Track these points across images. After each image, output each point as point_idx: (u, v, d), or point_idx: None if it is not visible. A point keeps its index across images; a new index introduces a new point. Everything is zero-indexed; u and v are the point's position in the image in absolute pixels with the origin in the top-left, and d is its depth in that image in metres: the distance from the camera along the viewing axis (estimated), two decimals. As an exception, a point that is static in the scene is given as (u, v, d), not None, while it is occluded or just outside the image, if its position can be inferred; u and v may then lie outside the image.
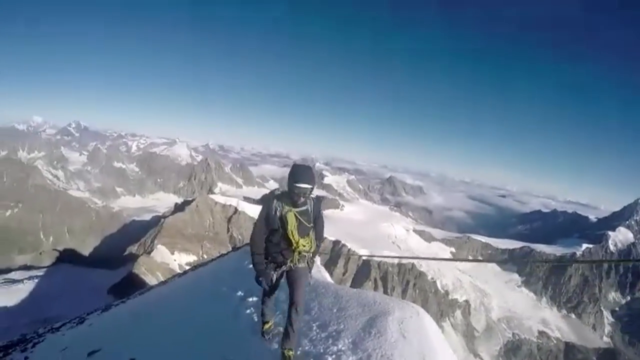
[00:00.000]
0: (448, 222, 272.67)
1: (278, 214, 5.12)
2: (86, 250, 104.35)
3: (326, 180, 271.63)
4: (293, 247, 5.23)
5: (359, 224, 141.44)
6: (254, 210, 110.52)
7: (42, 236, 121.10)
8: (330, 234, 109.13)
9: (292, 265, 5.36)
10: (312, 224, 5.32)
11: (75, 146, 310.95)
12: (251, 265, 5.45)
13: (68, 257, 79.15)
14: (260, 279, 5.32)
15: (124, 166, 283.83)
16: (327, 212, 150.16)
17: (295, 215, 5.12)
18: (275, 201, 5.17)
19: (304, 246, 5.27)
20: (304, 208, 5.19)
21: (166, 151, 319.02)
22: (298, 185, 4.86)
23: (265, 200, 5.29)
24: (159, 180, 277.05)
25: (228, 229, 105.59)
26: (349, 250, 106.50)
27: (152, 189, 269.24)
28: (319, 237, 5.62)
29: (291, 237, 5.14)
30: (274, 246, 5.27)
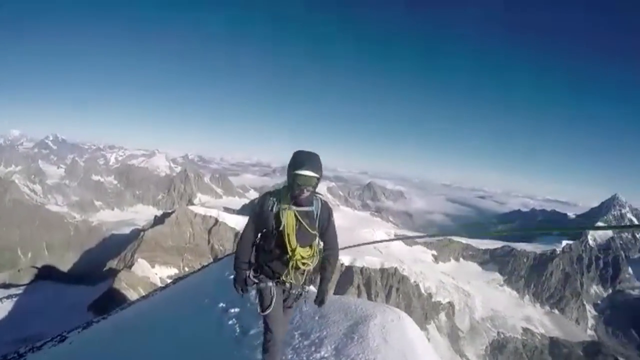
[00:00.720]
0: (429, 225, 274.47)
1: (274, 210, 4.03)
2: (65, 266, 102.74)
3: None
4: (287, 257, 4.06)
5: (340, 230, 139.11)
6: (235, 221, 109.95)
7: (19, 252, 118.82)
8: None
9: (289, 284, 4.26)
10: (316, 231, 4.13)
11: (53, 159, 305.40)
12: (234, 257, 4.40)
13: (47, 273, 77.78)
14: (237, 285, 4.34)
15: (102, 179, 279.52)
16: None
17: (295, 214, 4.00)
18: (271, 196, 4.11)
19: (303, 258, 4.07)
20: (307, 208, 4.07)
21: (144, 163, 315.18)
22: (300, 172, 3.74)
23: (258, 198, 4.27)
24: (137, 192, 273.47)
25: (209, 240, 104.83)
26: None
27: (131, 202, 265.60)
28: (331, 253, 4.38)
29: (286, 243, 3.99)
30: (266, 255, 4.18)
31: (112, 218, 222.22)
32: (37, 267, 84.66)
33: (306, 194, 3.93)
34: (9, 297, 57.39)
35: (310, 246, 4.17)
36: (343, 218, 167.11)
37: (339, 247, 4.56)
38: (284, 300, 4.44)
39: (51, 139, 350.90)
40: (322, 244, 4.33)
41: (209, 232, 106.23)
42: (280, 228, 3.99)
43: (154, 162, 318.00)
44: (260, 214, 4.13)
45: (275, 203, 4.07)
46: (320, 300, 4.44)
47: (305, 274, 4.29)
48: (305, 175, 3.78)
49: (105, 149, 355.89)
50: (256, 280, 4.29)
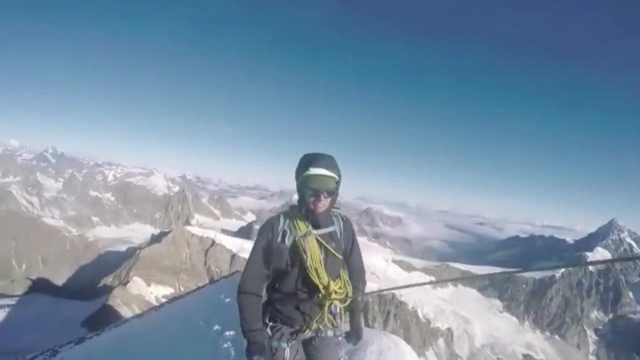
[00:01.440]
0: (427, 251, 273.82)
1: (288, 241, 3.03)
2: (60, 280, 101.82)
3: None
4: (320, 296, 3.07)
5: None
6: (232, 243, 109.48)
7: (14, 263, 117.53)
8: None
9: (318, 330, 3.27)
10: (342, 255, 3.23)
11: (51, 172, 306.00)
12: (239, 310, 3.08)
13: (41, 286, 77.56)
14: (256, 358, 2.97)
15: (100, 195, 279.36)
16: None
17: (318, 240, 3.06)
18: (282, 220, 3.13)
19: (337, 293, 3.08)
20: (330, 229, 3.16)
21: (143, 181, 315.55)
22: (314, 171, 2.88)
23: (262, 229, 3.16)
24: (135, 210, 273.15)
25: (205, 261, 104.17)
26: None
27: (128, 220, 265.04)
28: (360, 278, 3.44)
29: (315, 279, 3.02)
30: (285, 299, 3.14)
31: (108, 234, 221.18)
32: (31, 279, 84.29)
33: (324, 203, 2.98)
34: (1, 307, 56.89)
35: (339, 276, 3.22)
36: None
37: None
38: (306, 345, 3.37)
39: (50, 152, 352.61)
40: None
41: (206, 253, 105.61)
42: (306, 264, 3.01)
43: (152, 181, 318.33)
44: (268, 250, 3.07)
45: (288, 232, 3.07)
46: (357, 337, 3.61)
47: (338, 314, 3.30)
48: (321, 175, 2.89)
49: (104, 165, 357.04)
50: (270, 334, 3.23)
